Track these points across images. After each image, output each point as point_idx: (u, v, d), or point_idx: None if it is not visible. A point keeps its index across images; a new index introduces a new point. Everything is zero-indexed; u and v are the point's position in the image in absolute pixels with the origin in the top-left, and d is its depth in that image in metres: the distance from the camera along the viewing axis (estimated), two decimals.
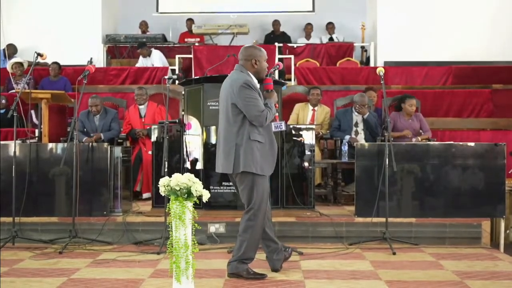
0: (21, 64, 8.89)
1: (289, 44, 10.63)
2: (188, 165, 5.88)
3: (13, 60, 9.12)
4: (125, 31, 11.15)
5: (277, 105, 4.23)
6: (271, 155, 4.19)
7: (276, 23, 11.64)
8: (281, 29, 11.69)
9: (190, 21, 11.55)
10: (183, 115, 5.99)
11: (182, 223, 3.72)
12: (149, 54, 9.99)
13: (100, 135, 6.91)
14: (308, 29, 11.52)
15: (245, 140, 4.09)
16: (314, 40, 11.45)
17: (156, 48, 10.25)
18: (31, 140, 5.98)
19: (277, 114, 4.28)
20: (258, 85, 4.19)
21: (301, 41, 11.25)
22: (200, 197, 3.80)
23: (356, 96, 7.10)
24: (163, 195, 3.86)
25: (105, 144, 5.71)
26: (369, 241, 5.28)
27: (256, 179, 4.11)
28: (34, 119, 7.61)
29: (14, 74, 8.90)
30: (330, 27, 11.55)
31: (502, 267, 4.60)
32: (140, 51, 10.00)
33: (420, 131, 6.88)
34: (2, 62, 9.84)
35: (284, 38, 11.32)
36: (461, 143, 5.69)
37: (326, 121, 7.46)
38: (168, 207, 3.79)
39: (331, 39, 11.37)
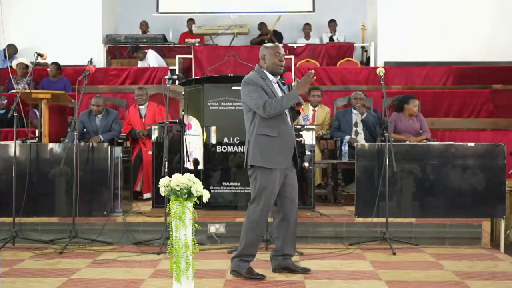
0: (26, 65, 8.88)
1: (289, 44, 10.62)
2: (188, 165, 5.88)
3: (20, 59, 9.10)
4: (125, 31, 11.14)
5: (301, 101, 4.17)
6: (284, 147, 4.16)
7: (261, 26, 11.39)
8: (276, 29, 11.57)
9: (191, 21, 11.53)
10: (183, 115, 6.00)
11: (182, 223, 3.72)
12: (144, 56, 10.00)
13: (99, 138, 6.91)
14: (306, 29, 11.41)
15: (254, 136, 4.15)
16: (313, 40, 11.39)
17: (156, 48, 10.25)
18: (31, 140, 5.97)
19: (302, 106, 4.22)
20: (271, 79, 4.19)
21: (301, 42, 11.21)
22: (200, 197, 3.80)
23: (352, 94, 7.20)
24: (163, 195, 3.86)
25: (105, 144, 5.71)
26: (369, 242, 5.28)
27: (258, 173, 4.12)
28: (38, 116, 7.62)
29: (15, 74, 8.90)
30: (332, 25, 11.39)
31: (502, 268, 4.60)
32: (136, 55, 10.03)
33: (420, 131, 6.89)
34: (2, 62, 9.84)
35: (276, 35, 11.23)
36: (461, 143, 5.69)
37: (326, 122, 7.45)
38: (168, 207, 3.79)
39: (331, 38, 11.32)
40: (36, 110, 7.53)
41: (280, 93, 4.22)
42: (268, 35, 11.21)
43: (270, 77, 4.23)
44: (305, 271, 4.34)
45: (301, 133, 5.96)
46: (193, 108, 5.91)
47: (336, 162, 6.64)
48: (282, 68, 4.22)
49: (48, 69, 8.91)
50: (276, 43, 4.35)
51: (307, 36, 11.44)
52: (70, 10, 10.34)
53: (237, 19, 11.22)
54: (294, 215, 4.28)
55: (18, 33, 10.10)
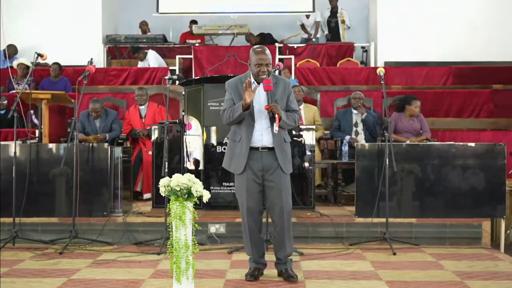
0: (26, 66, 8.88)
1: (289, 44, 10.62)
2: (188, 165, 5.88)
3: (20, 60, 9.11)
4: (125, 31, 11.15)
5: (267, 107, 3.96)
6: (239, 153, 4.07)
7: (249, 37, 11.25)
8: (277, 29, 11.52)
9: (193, 22, 11.48)
10: (183, 116, 6.00)
11: (183, 224, 3.72)
12: (145, 57, 10.00)
13: (105, 136, 6.92)
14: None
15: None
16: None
17: (156, 48, 10.25)
18: (32, 141, 5.97)
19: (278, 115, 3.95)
20: (254, 85, 4.03)
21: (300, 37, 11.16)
22: (200, 198, 3.81)
23: (352, 94, 7.22)
24: (163, 195, 3.86)
25: (105, 144, 5.71)
26: (370, 242, 5.28)
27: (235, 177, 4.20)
28: (34, 119, 7.62)
29: (15, 74, 8.90)
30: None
31: (502, 268, 4.60)
32: (136, 56, 10.03)
33: (420, 131, 6.89)
34: (2, 63, 9.84)
35: (265, 39, 11.20)
36: (461, 143, 5.69)
37: (317, 122, 7.25)
38: (169, 208, 3.80)
39: (333, 12, 11.09)
40: (32, 112, 7.52)
41: (259, 100, 4.05)
42: (254, 41, 11.15)
43: (255, 83, 4.07)
44: (290, 279, 4.07)
45: (301, 133, 5.96)
46: (193, 108, 5.91)
47: (336, 162, 6.64)
48: (264, 77, 4.01)
49: (50, 69, 8.91)
50: (261, 50, 4.08)
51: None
52: (70, 11, 10.36)
53: (237, 19, 11.21)
54: (278, 218, 4.09)
55: (18, 33, 10.10)
